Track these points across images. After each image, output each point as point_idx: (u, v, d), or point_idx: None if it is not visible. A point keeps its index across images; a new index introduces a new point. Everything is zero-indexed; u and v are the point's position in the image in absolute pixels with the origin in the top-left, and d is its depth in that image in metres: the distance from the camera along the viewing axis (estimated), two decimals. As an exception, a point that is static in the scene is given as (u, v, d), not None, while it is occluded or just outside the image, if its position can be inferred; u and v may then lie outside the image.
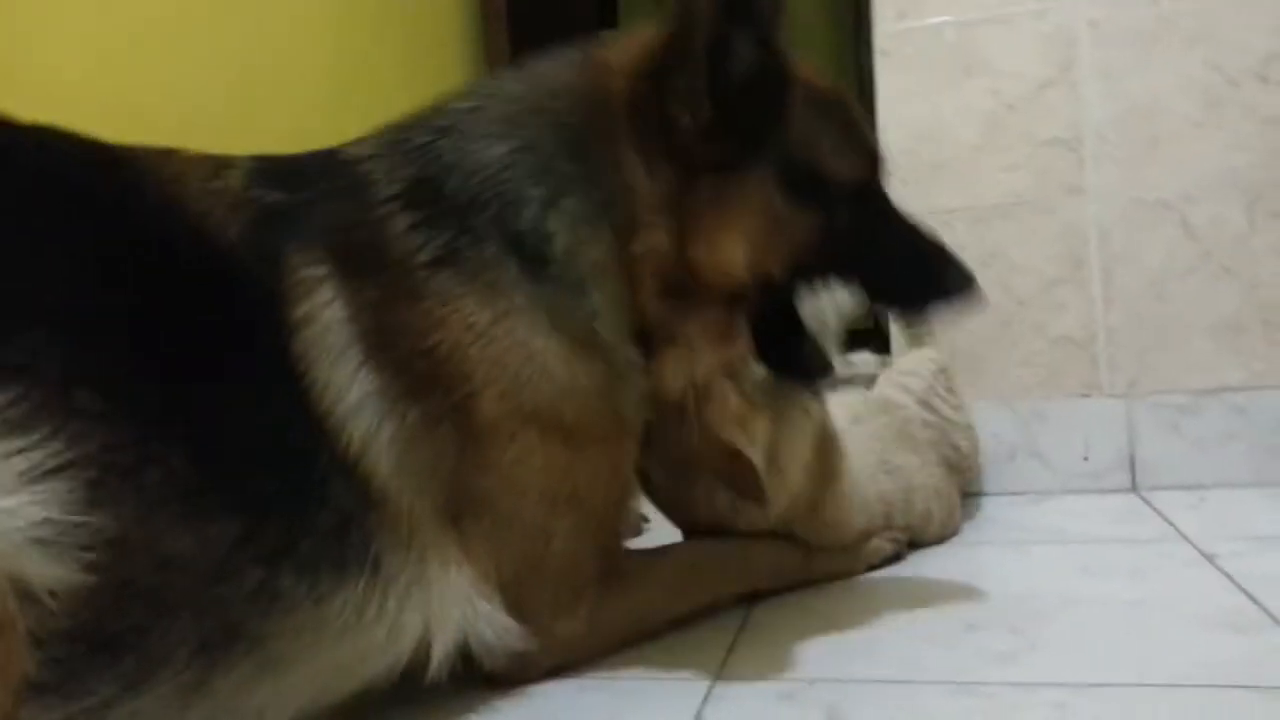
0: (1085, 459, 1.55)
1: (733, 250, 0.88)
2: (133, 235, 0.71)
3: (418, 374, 0.78)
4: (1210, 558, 1.14)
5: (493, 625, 0.83)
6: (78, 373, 0.61)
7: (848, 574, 1.17)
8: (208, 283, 0.74)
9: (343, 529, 0.73)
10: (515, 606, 0.85)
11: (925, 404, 1.36)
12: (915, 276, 0.98)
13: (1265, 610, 0.96)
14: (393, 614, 0.75)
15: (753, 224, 0.89)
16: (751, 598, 1.10)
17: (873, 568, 1.20)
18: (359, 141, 0.91)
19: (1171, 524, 1.31)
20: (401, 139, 0.89)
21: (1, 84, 1.34)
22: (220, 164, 0.82)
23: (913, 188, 1.62)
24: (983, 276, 1.57)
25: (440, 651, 0.79)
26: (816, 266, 0.94)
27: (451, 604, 0.79)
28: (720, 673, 0.92)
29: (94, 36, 1.54)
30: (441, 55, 2.58)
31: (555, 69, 0.93)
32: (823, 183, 0.92)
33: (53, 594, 0.55)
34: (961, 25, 1.58)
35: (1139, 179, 1.52)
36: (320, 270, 0.77)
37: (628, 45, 0.92)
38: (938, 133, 1.60)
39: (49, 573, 0.55)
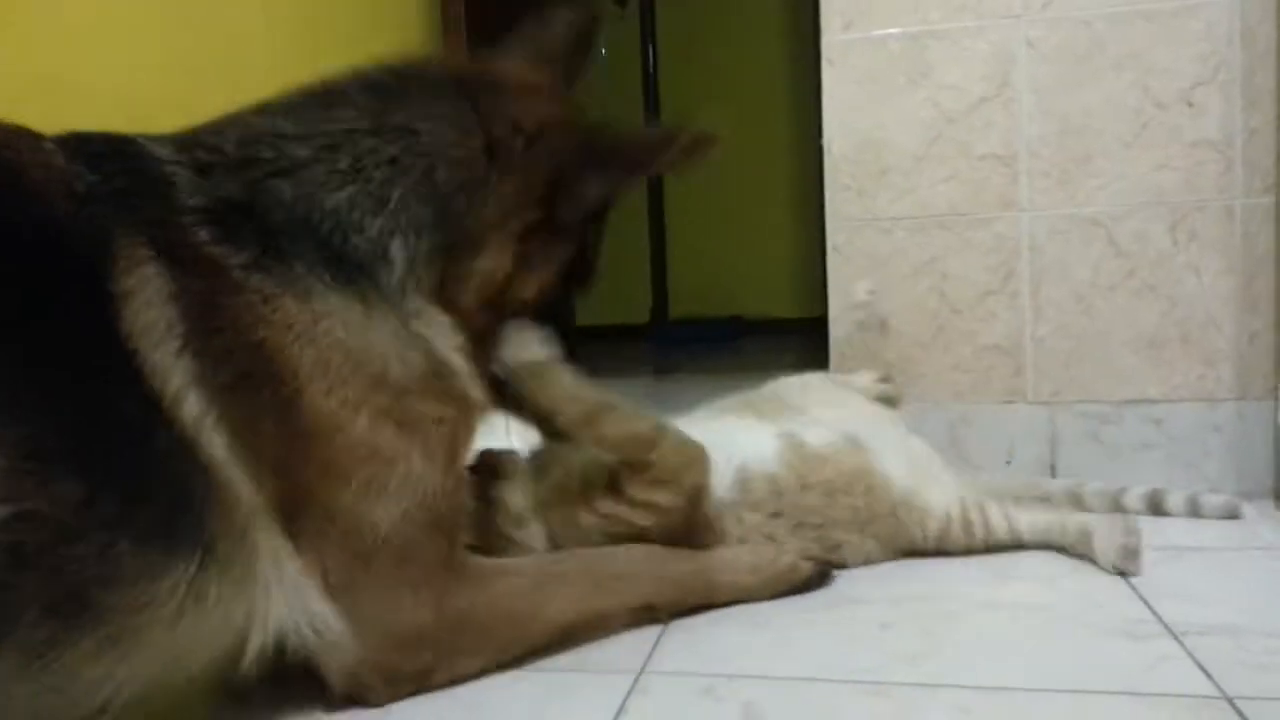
0: (1008, 462, 1.61)
1: (543, 285, 1.02)
2: None
3: (241, 368, 0.80)
4: (1117, 566, 1.20)
5: (324, 627, 0.83)
6: None
7: (751, 594, 1.11)
8: (42, 256, 0.75)
9: (178, 506, 0.74)
10: (351, 606, 0.84)
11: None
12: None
13: (1160, 620, 1.02)
14: (226, 602, 0.77)
15: (559, 269, 1.03)
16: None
17: (794, 589, 1.13)
18: (161, 139, 0.89)
19: (1086, 530, 1.36)
20: (215, 146, 0.89)
21: (2, 84, 1.34)
22: (37, 136, 0.82)
23: (855, 194, 1.66)
24: (920, 284, 1.64)
25: (255, 646, 0.79)
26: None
27: (276, 600, 0.80)
28: (645, 666, 0.95)
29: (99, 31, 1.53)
30: (397, 43, 2.57)
31: (434, 111, 0.96)
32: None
33: None
34: (905, 38, 1.62)
35: (1070, 195, 1.57)
36: (145, 251, 0.78)
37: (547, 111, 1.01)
38: (881, 142, 1.64)
39: None
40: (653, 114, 5.43)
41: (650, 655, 0.98)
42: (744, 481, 1.17)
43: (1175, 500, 1.39)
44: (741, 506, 1.16)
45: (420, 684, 0.89)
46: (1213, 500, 1.38)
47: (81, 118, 0.87)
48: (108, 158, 0.83)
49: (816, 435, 1.23)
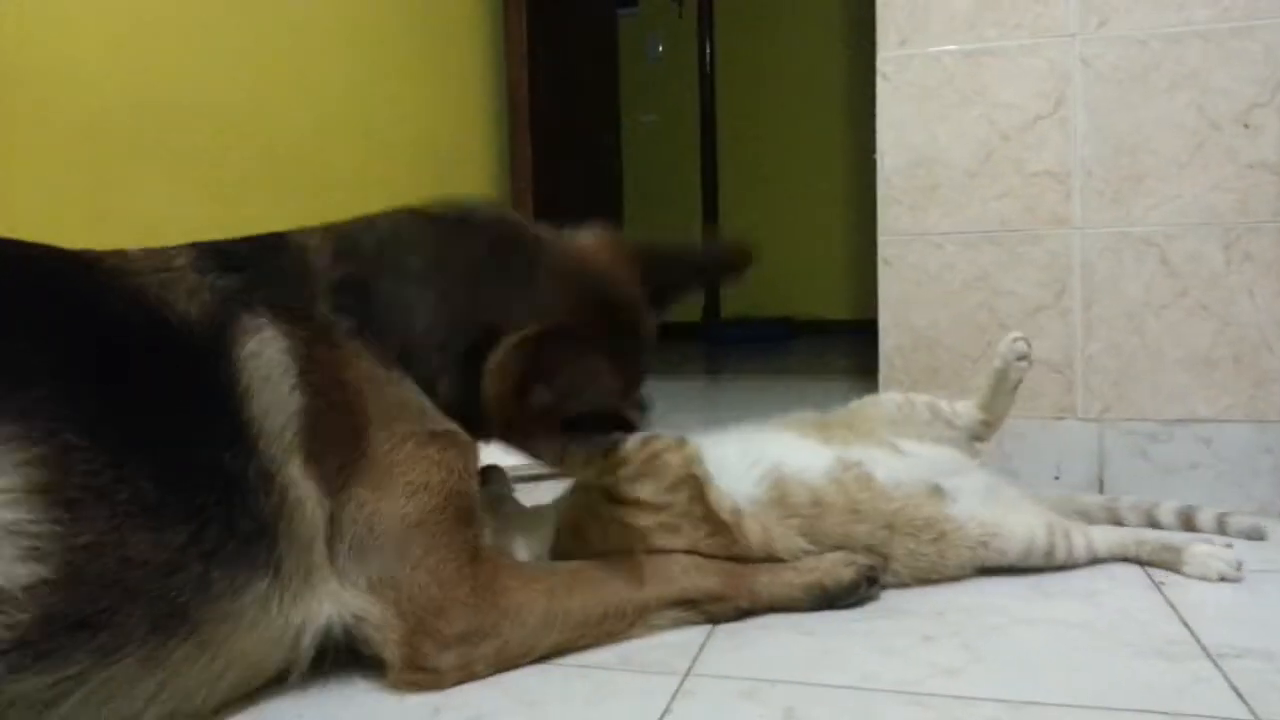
0: (1056, 478, 1.62)
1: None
2: (105, 318, 0.92)
3: (331, 399, 0.96)
4: (1158, 585, 1.21)
5: (365, 615, 0.94)
6: (65, 416, 0.81)
7: (789, 602, 1.13)
8: (167, 347, 0.93)
9: (257, 533, 0.89)
10: (391, 592, 0.95)
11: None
12: None
13: (1198, 641, 1.04)
14: (286, 611, 0.90)
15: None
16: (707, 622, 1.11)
17: (830, 599, 1.14)
18: (309, 231, 1.09)
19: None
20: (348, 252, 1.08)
21: (15, 75, 1.40)
22: (168, 255, 1.00)
23: (907, 209, 1.68)
24: (970, 298, 1.66)
25: (308, 644, 0.92)
26: None
27: (326, 603, 0.93)
28: (690, 669, 1.00)
29: (105, 26, 1.59)
30: (459, 47, 2.63)
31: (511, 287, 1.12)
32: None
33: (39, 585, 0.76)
34: (961, 55, 1.64)
35: (1123, 214, 1.58)
36: (263, 319, 0.96)
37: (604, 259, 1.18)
38: (933, 158, 1.66)
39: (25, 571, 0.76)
40: (708, 112, 5.46)
41: (696, 658, 1.02)
42: (776, 484, 1.18)
43: (1205, 517, 1.40)
44: (769, 507, 1.17)
45: (469, 648, 0.97)
46: (1239, 521, 1.39)
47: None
48: (247, 256, 1.02)
49: (887, 472, 1.22)
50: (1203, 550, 1.24)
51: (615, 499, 1.16)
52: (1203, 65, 1.52)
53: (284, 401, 0.93)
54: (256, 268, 1.01)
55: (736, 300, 5.42)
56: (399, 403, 1.01)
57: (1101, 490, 1.60)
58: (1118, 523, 1.41)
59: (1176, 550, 1.26)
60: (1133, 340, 1.59)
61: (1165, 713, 0.88)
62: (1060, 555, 1.26)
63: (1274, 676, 0.94)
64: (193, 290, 0.96)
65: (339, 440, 0.96)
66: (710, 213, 5.49)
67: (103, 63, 1.54)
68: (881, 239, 1.70)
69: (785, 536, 1.16)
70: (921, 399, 1.34)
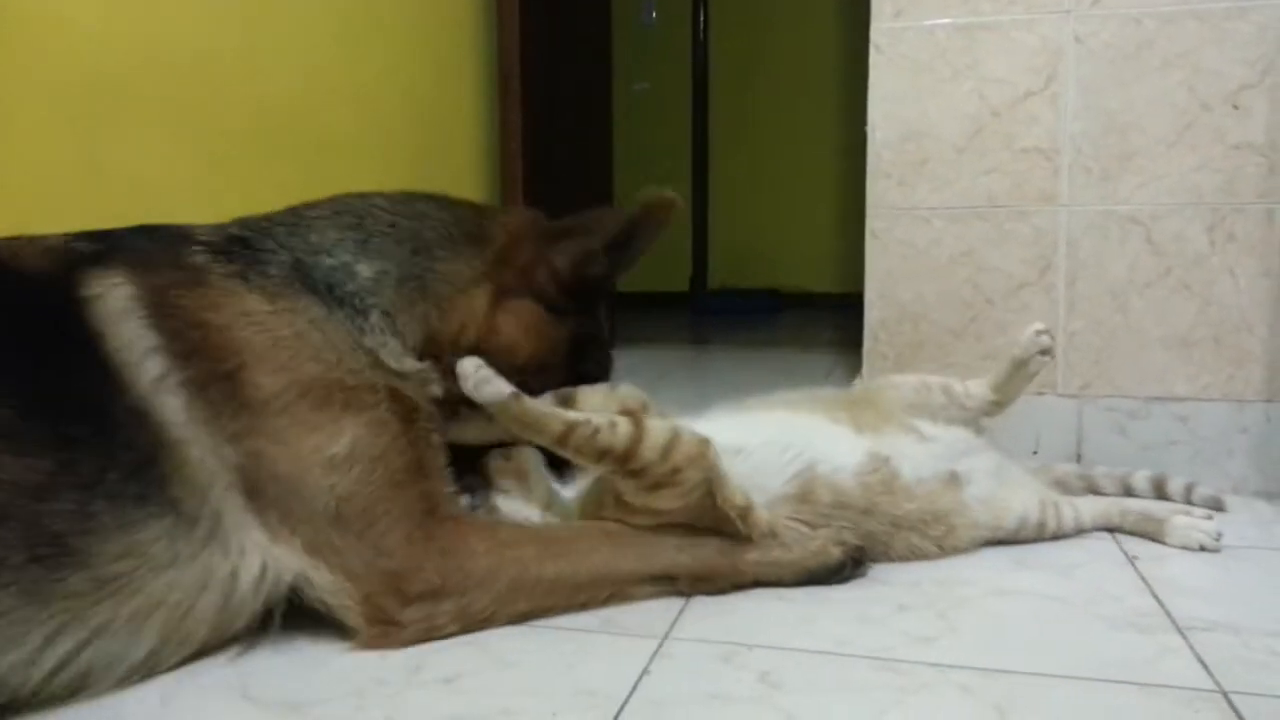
0: (1035, 452, 1.64)
1: (534, 354, 1.21)
2: None
3: (191, 340, 0.94)
4: (1132, 559, 1.23)
5: (316, 580, 0.94)
6: None
7: (775, 578, 1.12)
8: (19, 298, 0.94)
9: (142, 467, 0.88)
10: (334, 558, 0.94)
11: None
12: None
13: (1168, 614, 1.06)
14: (205, 556, 0.90)
15: (545, 351, 1.22)
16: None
17: (815, 579, 1.13)
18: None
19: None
20: (247, 221, 1.11)
21: (8, 29, 1.39)
22: (53, 238, 1.01)
23: (896, 183, 1.68)
24: (956, 273, 1.67)
25: (251, 601, 0.92)
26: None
27: (252, 558, 0.92)
28: (669, 632, 1.01)
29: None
30: (451, 11, 2.60)
31: (435, 211, 1.21)
32: (584, 366, 1.27)
33: None
34: (954, 28, 1.63)
35: (1110, 192, 1.59)
36: (115, 273, 0.96)
37: (522, 218, 1.29)
38: (923, 132, 1.66)
39: None
40: (700, 82, 5.43)
41: (675, 622, 1.04)
42: (806, 483, 1.16)
43: (1174, 486, 1.45)
44: (789, 502, 1.16)
45: (431, 605, 0.96)
46: (1202, 492, 1.43)
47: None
48: (123, 233, 1.03)
49: (913, 468, 1.22)
50: (1184, 521, 1.29)
51: (620, 503, 1.11)
52: (1195, 45, 1.53)
53: (137, 342, 0.92)
54: (124, 237, 1.01)
55: (723, 271, 5.42)
56: (292, 343, 0.98)
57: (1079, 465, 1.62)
58: (1094, 491, 1.45)
59: (1159, 521, 1.29)
60: (1115, 318, 1.60)
61: (1134, 683, 0.90)
62: (1050, 528, 1.29)
63: (1240, 649, 0.97)
64: (49, 249, 0.97)
65: (210, 381, 0.93)
66: (700, 182, 5.47)
67: (98, 18, 1.52)
68: (870, 212, 1.70)
69: (791, 528, 1.15)
70: (935, 381, 1.36)
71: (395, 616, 0.95)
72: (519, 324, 1.19)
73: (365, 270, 1.09)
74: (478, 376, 1.05)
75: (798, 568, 1.13)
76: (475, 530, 1.02)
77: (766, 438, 1.19)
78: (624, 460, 1.05)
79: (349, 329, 1.04)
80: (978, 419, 1.35)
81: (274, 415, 0.94)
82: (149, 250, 1.00)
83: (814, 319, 4.48)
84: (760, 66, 5.28)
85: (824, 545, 1.15)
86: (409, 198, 1.20)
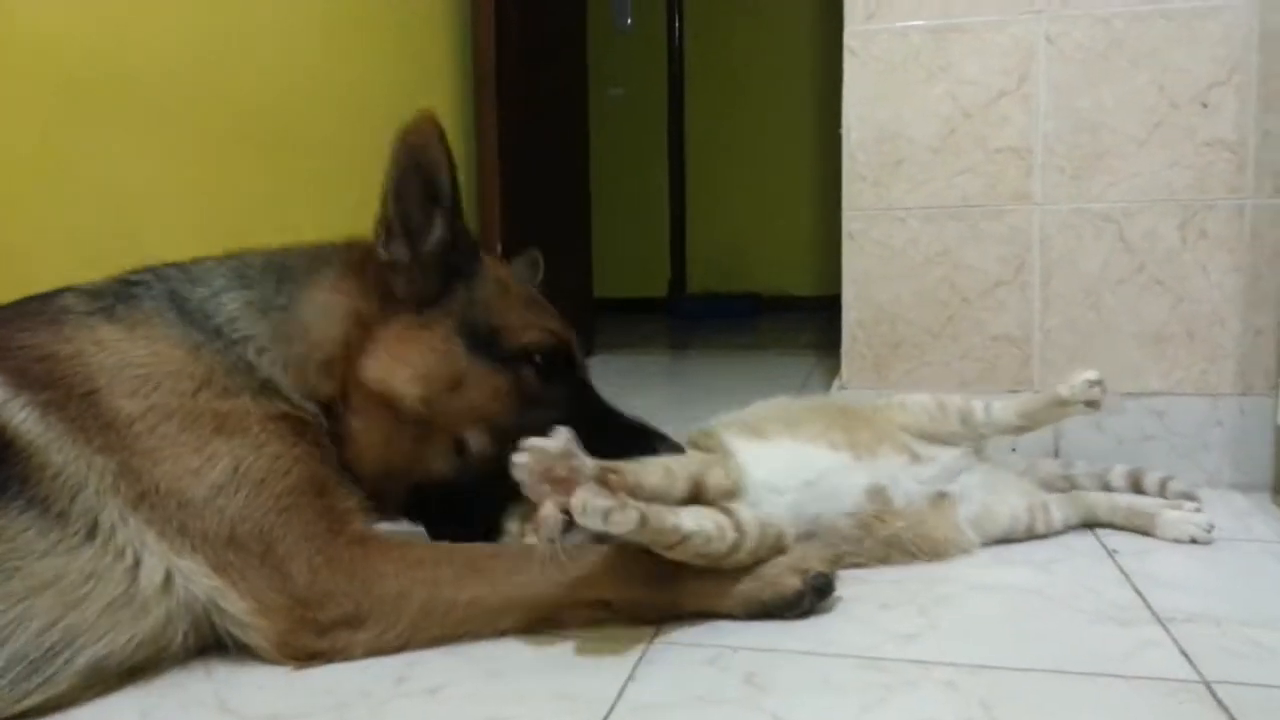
0: (1013, 450, 1.65)
1: (399, 376, 1.07)
2: None
3: (37, 373, 0.94)
4: (1112, 553, 1.24)
5: (225, 604, 0.93)
6: None
7: (725, 610, 1.03)
8: None
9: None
10: (239, 581, 0.93)
11: None
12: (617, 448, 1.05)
13: (1149, 607, 1.07)
14: (85, 550, 0.90)
15: (429, 362, 1.08)
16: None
17: (769, 612, 1.02)
18: None
19: (1084, 518, 1.41)
20: (146, 266, 1.10)
21: None
22: None
23: (871, 184, 1.69)
24: (932, 273, 1.68)
25: (150, 592, 0.91)
26: (514, 435, 0.99)
27: (150, 570, 0.92)
28: (655, 636, 1.01)
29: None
30: (428, 16, 2.60)
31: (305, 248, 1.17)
32: (505, 347, 1.11)
33: None
34: (927, 30, 1.64)
35: (1082, 190, 1.60)
36: None
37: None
38: (898, 133, 1.67)
39: None
40: (676, 86, 5.44)
41: (659, 627, 1.03)
42: (810, 532, 1.16)
43: (1150, 480, 1.46)
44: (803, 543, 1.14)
45: (348, 633, 0.94)
46: (1175, 485, 1.44)
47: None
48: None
49: (905, 493, 1.22)
50: (1175, 516, 1.30)
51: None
52: (1164, 44, 1.54)
53: None
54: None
55: (702, 276, 5.43)
56: (148, 366, 0.98)
57: (1058, 462, 1.63)
58: (1075, 487, 1.46)
59: (1149, 516, 1.31)
60: (1089, 315, 1.62)
61: (1116, 675, 0.90)
62: (1040, 529, 1.31)
63: (1221, 640, 0.97)
64: None
65: (68, 401, 0.94)
66: (678, 187, 5.49)
67: (75, 26, 1.51)
68: (846, 214, 1.71)
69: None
70: (954, 404, 1.32)
71: (307, 646, 0.93)
72: (402, 348, 1.09)
73: (233, 301, 1.07)
74: (597, 506, 0.90)
75: (749, 600, 1.03)
76: (383, 550, 0.97)
77: (792, 494, 1.15)
78: (721, 557, 1.01)
79: (226, 356, 1.02)
80: (991, 435, 1.35)
81: (143, 435, 0.94)
82: (2, 310, 1.02)
83: (793, 322, 4.50)
84: (736, 71, 5.30)
85: (779, 574, 1.04)
86: (278, 252, 1.16)
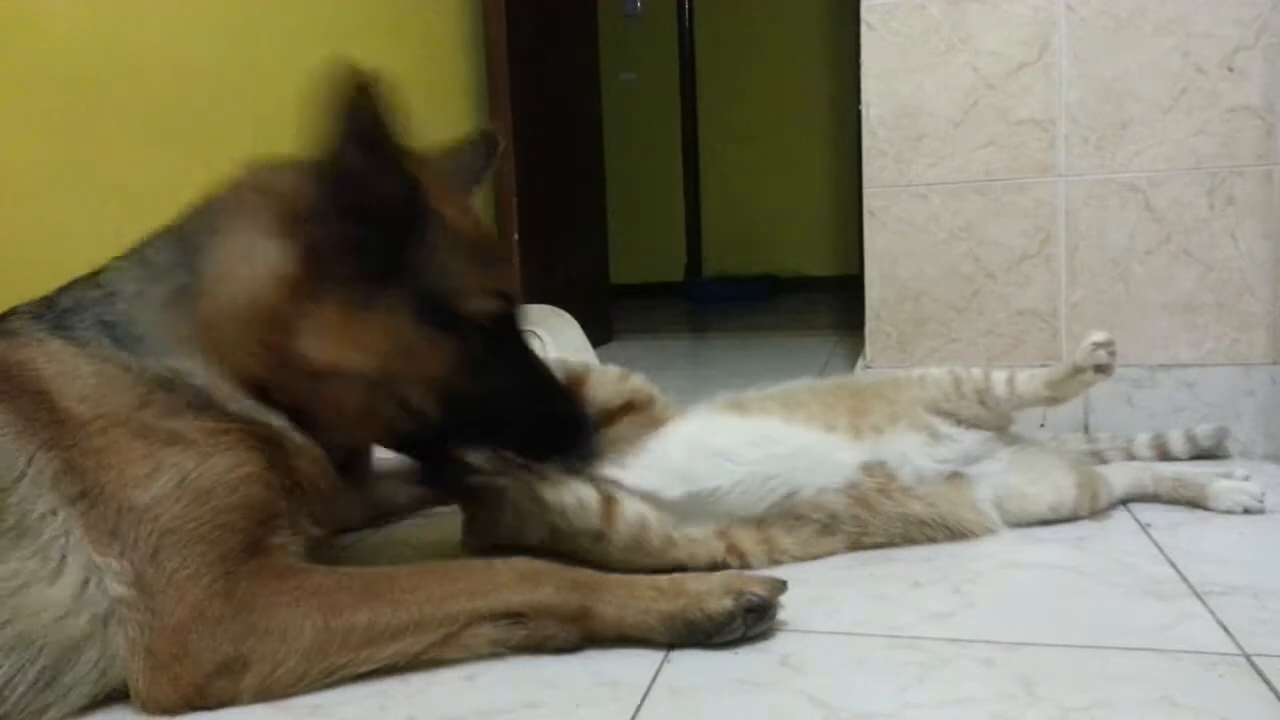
0: (1041, 425, 1.63)
1: (349, 360, 0.98)
2: None
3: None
4: (1145, 528, 1.23)
5: (133, 616, 0.87)
6: None
7: (642, 630, 0.94)
8: None
9: None
10: (147, 597, 0.87)
11: None
12: (544, 422, 1.07)
13: (1186, 580, 1.05)
14: (15, 552, 0.86)
15: (377, 335, 0.98)
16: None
17: (696, 634, 0.92)
18: None
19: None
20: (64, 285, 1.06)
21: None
22: None
23: (892, 160, 1.68)
24: (956, 248, 1.66)
25: (70, 590, 0.87)
26: (461, 400, 1.01)
27: (73, 573, 0.87)
28: (686, 621, 1.00)
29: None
30: (439, 6, 2.59)
31: (213, 198, 1.07)
32: (456, 311, 1.01)
33: None
34: (945, 2, 1.62)
35: (1107, 160, 1.58)
36: None
37: (290, 171, 1.03)
38: (918, 107, 1.65)
39: None
40: (688, 69, 5.42)
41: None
42: (788, 509, 1.16)
43: (1176, 443, 1.47)
44: (789, 524, 1.16)
45: (232, 678, 0.86)
46: (1201, 431, 1.45)
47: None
48: None
49: (915, 470, 1.20)
50: (1226, 485, 1.28)
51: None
52: (1187, 9, 1.52)
53: None
54: None
55: (718, 259, 5.41)
56: (96, 381, 0.94)
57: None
58: (1101, 460, 1.44)
59: (1200, 486, 1.29)
60: (1117, 287, 1.60)
61: (1154, 649, 0.89)
62: (1086, 509, 1.27)
63: (1259, 612, 0.96)
64: None
65: (20, 396, 0.92)
66: (691, 170, 5.47)
67: (82, 23, 1.51)
68: (867, 191, 1.69)
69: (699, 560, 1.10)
70: (971, 382, 1.28)
71: (187, 698, 0.86)
72: (330, 335, 0.98)
73: (145, 307, 0.99)
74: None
75: (672, 619, 0.93)
76: (280, 578, 0.91)
77: (750, 466, 1.14)
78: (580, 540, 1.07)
79: (158, 371, 0.96)
80: (1017, 410, 1.30)
81: (93, 436, 0.91)
82: None
83: (811, 302, 4.48)
84: (747, 51, 5.27)
85: (710, 591, 0.95)
86: (187, 220, 1.06)
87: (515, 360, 1.08)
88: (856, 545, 1.18)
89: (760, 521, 1.15)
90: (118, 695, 0.88)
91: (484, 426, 1.06)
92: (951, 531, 1.21)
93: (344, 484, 1.05)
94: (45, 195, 1.46)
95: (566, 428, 1.09)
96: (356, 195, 0.96)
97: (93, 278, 1.04)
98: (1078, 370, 1.24)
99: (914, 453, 1.20)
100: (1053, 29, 1.58)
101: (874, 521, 1.18)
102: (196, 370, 0.97)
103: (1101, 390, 1.61)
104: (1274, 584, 1.03)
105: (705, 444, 1.15)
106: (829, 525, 1.17)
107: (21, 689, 0.85)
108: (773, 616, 0.96)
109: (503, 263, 1.12)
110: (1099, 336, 1.23)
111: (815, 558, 1.16)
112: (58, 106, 1.47)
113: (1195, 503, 1.29)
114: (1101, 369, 1.23)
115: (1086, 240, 1.61)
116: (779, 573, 1.03)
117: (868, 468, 1.18)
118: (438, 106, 2.55)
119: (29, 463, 0.89)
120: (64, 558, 0.87)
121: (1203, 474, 1.33)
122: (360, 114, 0.93)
